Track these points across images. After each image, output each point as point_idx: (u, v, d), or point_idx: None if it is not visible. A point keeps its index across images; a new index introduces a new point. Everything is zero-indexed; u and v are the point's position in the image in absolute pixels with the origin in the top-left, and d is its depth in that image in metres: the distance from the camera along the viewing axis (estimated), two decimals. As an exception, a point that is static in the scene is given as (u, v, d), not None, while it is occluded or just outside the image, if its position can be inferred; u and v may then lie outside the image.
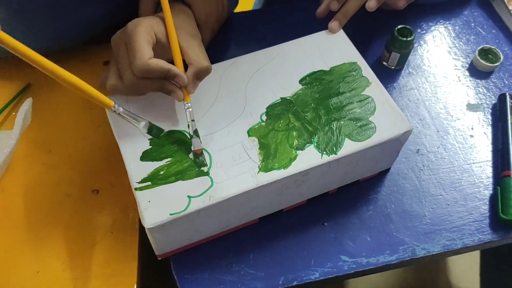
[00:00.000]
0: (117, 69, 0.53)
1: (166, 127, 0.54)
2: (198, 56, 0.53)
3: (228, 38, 0.76)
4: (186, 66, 0.55)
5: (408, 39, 0.68)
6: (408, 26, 0.69)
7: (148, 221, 0.48)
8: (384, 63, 0.73)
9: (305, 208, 0.60)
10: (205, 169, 0.51)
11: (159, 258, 0.55)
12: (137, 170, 0.51)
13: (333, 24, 0.64)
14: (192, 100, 0.56)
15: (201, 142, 0.52)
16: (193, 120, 0.53)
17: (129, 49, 0.51)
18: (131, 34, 0.51)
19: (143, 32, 0.51)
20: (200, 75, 0.53)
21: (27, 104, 0.58)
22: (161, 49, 0.54)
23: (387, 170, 0.63)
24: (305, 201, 0.60)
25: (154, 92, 0.54)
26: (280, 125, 0.55)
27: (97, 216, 0.58)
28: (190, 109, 0.53)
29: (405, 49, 0.70)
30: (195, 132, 0.53)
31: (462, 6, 0.81)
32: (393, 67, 0.73)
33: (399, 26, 0.69)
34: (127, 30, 0.52)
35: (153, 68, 0.49)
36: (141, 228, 0.55)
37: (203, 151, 0.52)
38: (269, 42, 0.74)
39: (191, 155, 0.52)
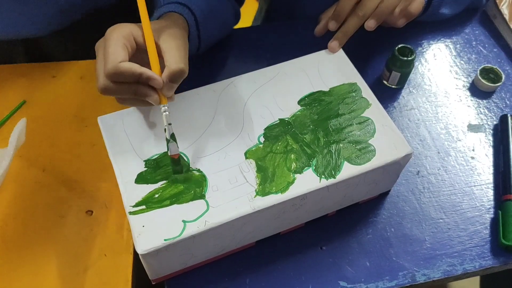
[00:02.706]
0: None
1: (161, 148, 0.53)
2: (174, 58, 0.51)
3: (227, 55, 0.75)
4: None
5: (409, 58, 0.68)
6: (408, 45, 0.68)
7: (142, 247, 0.47)
8: (385, 81, 0.72)
9: (303, 231, 0.59)
10: (180, 176, 0.51)
11: (154, 283, 0.54)
12: (131, 193, 0.50)
13: (333, 43, 0.63)
14: (188, 120, 0.56)
15: (178, 147, 0.51)
16: (170, 124, 0.51)
17: (104, 54, 0.50)
18: (106, 38, 0.50)
19: (120, 36, 0.50)
20: (175, 78, 0.51)
21: (21, 124, 0.57)
22: (145, 56, 0.53)
23: (387, 192, 0.62)
24: (303, 224, 0.59)
25: (129, 97, 0.52)
26: (278, 148, 0.54)
27: (90, 238, 0.57)
28: (167, 113, 0.51)
29: (406, 68, 0.69)
30: (172, 136, 0.51)
31: (463, 24, 0.81)
32: (393, 86, 0.72)
33: (400, 45, 0.68)
34: (105, 35, 0.51)
35: (124, 71, 0.48)
36: (135, 250, 0.54)
37: (181, 155, 0.51)
38: (268, 59, 0.74)
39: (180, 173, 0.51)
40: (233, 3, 0.75)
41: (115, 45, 0.49)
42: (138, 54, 0.52)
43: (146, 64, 0.51)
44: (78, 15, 0.72)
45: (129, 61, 0.49)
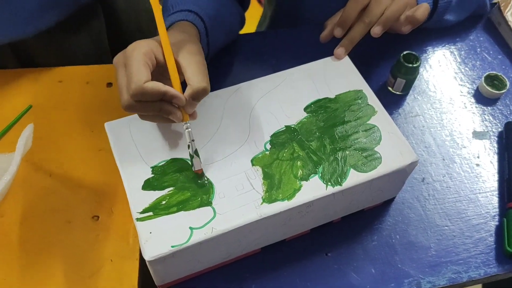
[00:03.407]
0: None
1: (169, 155, 0.54)
2: (196, 76, 0.52)
3: (231, 61, 0.76)
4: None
5: (414, 65, 0.68)
6: (414, 52, 0.68)
7: (149, 254, 0.47)
8: (389, 88, 0.72)
9: (308, 238, 0.59)
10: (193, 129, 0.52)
11: (159, 289, 0.54)
12: (139, 199, 0.50)
13: (339, 50, 0.64)
14: (195, 127, 0.56)
15: (201, 162, 0.52)
16: (193, 140, 0.52)
17: (127, 72, 0.50)
18: (129, 57, 0.51)
19: (142, 54, 0.50)
20: (197, 96, 0.52)
21: (28, 130, 0.57)
22: (164, 71, 0.53)
23: (392, 199, 0.62)
24: (308, 230, 0.59)
25: (152, 115, 0.53)
26: (284, 155, 0.54)
27: (96, 244, 0.57)
28: (189, 129, 0.52)
29: (411, 75, 0.69)
30: (195, 152, 0.52)
31: (468, 31, 0.81)
32: (398, 93, 0.72)
33: (405, 52, 0.68)
34: (127, 53, 0.51)
35: (149, 91, 0.49)
36: (141, 255, 0.54)
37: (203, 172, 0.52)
38: (273, 65, 0.74)
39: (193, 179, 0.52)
40: (238, 8, 0.76)
41: (138, 64, 0.50)
42: (158, 69, 0.53)
43: (165, 79, 0.52)
44: (60, 13, 0.71)
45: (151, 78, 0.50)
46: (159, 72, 0.53)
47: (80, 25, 0.76)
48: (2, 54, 0.74)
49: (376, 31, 0.64)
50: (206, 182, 0.52)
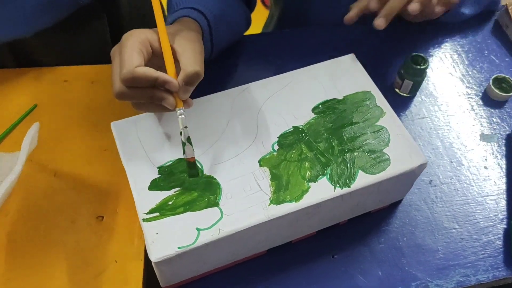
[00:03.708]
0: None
1: (176, 155, 0.53)
2: (189, 61, 0.50)
3: (237, 62, 0.75)
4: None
5: (422, 67, 0.67)
6: (421, 54, 0.68)
7: (155, 255, 0.46)
8: (397, 90, 0.72)
9: (315, 240, 0.58)
10: (197, 173, 0.51)
11: (165, 290, 0.53)
12: (145, 200, 0.50)
13: (379, 20, 0.62)
14: (202, 126, 0.55)
15: (193, 150, 0.51)
16: (186, 127, 0.51)
17: (120, 59, 0.50)
18: (122, 44, 0.50)
19: (135, 41, 0.50)
20: (191, 80, 0.50)
21: (34, 129, 0.56)
22: (161, 63, 0.53)
23: (399, 201, 0.62)
24: (314, 232, 0.58)
25: (145, 102, 0.52)
26: (292, 156, 0.54)
27: (101, 244, 0.56)
28: (183, 116, 0.51)
29: (419, 77, 0.69)
30: (188, 139, 0.51)
31: (475, 33, 0.80)
32: (405, 95, 0.71)
33: (413, 54, 0.68)
34: (121, 41, 0.51)
35: (140, 75, 0.48)
36: (146, 256, 0.54)
37: (196, 161, 0.51)
38: (279, 66, 0.74)
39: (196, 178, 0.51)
40: (244, 8, 0.75)
41: (131, 50, 0.49)
42: (154, 59, 0.52)
43: (162, 70, 0.51)
44: (60, 12, 0.71)
45: (145, 66, 0.49)
46: (156, 64, 0.52)
47: (80, 26, 0.76)
48: (0, 53, 0.74)
49: (414, 7, 0.61)
50: (199, 172, 0.51)
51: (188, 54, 0.51)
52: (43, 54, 0.75)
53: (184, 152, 0.50)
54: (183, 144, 0.50)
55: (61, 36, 0.74)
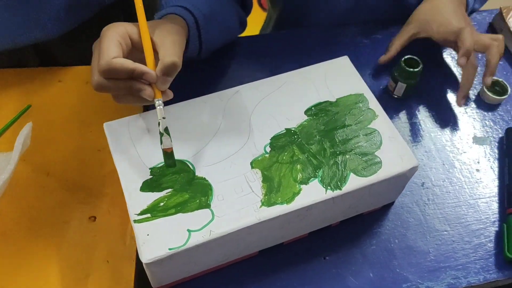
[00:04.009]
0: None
1: (167, 156, 0.53)
2: (168, 51, 0.51)
3: (232, 63, 0.75)
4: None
5: (415, 70, 0.68)
6: (415, 57, 0.68)
7: (146, 256, 0.46)
8: (390, 92, 0.72)
9: (307, 241, 0.59)
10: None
11: (156, 291, 0.54)
12: (136, 201, 0.50)
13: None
14: (194, 128, 0.55)
15: (171, 141, 0.51)
16: (164, 118, 0.51)
17: (99, 51, 0.50)
18: (101, 36, 0.51)
19: (114, 33, 0.50)
20: (168, 71, 0.51)
21: (26, 129, 0.57)
22: (141, 53, 0.53)
23: (391, 204, 0.62)
24: (306, 234, 0.58)
25: (124, 93, 0.52)
26: (284, 158, 0.54)
27: (93, 244, 0.56)
28: (161, 107, 0.51)
29: (412, 80, 0.69)
30: (166, 130, 0.51)
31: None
32: (399, 97, 0.72)
33: (406, 57, 0.68)
34: (101, 34, 0.51)
35: (116, 67, 0.48)
36: (138, 256, 0.54)
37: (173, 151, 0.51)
38: (274, 68, 0.74)
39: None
40: (238, 10, 0.75)
41: (109, 42, 0.49)
42: (135, 52, 0.52)
43: (143, 63, 0.51)
44: (85, 13, 0.72)
45: (123, 58, 0.50)
46: (137, 57, 0.52)
47: (101, 27, 0.77)
48: (25, 53, 0.74)
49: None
50: (174, 161, 0.51)
51: (166, 46, 0.51)
52: (66, 55, 0.76)
53: (161, 142, 0.50)
54: (161, 134, 0.50)
55: (82, 36, 0.75)
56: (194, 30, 0.62)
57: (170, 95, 0.53)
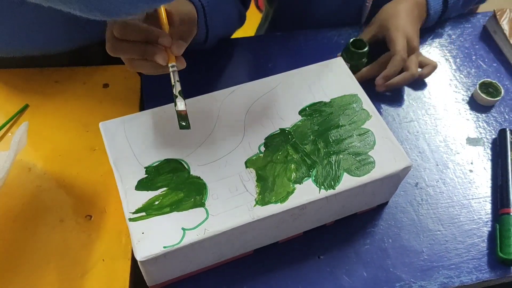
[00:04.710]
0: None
1: (163, 155, 0.54)
2: (182, 17, 0.52)
3: (228, 64, 0.76)
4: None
5: (359, 51, 0.70)
6: (363, 39, 0.71)
7: (141, 254, 0.47)
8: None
9: (301, 240, 0.59)
10: (188, 131, 0.52)
11: (151, 289, 0.54)
12: (132, 199, 0.50)
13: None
14: (190, 128, 0.56)
15: (185, 104, 0.51)
16: (178, 81, 0.51)
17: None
18: None
19: None
20: (184, 35, 0.52)
21: (23, 128, 0.57)
22: (153, 24, 0.53)
23: (385, 203, 0.63)
24: (301, 233, 0.59)
25: (138, 58, 0.52)
26: (278, 157, 0.54)
27: (89, 243, 0.57)
28: (175, 69, 0.52)
29: (356, 61, 0.71)
30: (180, 92, 0.51)
31: (463, 38, 0.81)
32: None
33: (354, 38, 0.71)
34: None
35: (132, 25, 0.49)
36: (133, 255, 0.54)
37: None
38: (270, 69, 0.74)
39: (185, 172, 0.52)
40: (238, 4, 0.76)
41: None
42: (148, 20, 0.53)
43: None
44: None
45: None
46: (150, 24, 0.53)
47: None
48: (93, 51, 0.74)
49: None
50: (188, 124, 0.51)
51: (182, 13, 0.53)
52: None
53: (175, 104, 0.51)
54: (175, 97, 0.51)
55: None
56: (202, 14, 0.62)
57: (184, 63, 0.53)
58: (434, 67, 0.74)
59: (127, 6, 0.33)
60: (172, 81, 0.51)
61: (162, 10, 0.53)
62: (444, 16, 0.79)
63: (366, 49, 0.70)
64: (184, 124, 0.51)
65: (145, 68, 0.54)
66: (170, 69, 0.51)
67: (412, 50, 0.71)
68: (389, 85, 0.71)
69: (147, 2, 0.34)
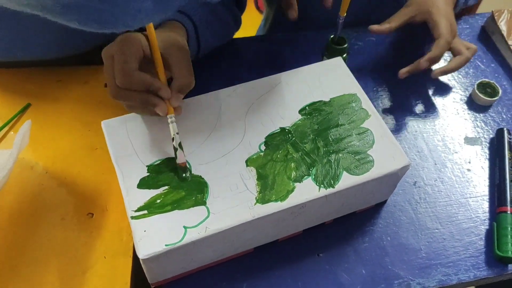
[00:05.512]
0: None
1: (165, 154, 0.54)
2: (182, 70, 0.54)
3: (229, 64, 0.77)
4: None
5: (339, 47, 0.70)
6: (344, 36, 0.70)
7: (143, 252, 0.47)
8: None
9: (301, 239, 0.60)
10: (188, 177, 0.53)
11: (153, 287, 0.54)
12: (134, 198, 0.51)
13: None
14: (191, 126, 0.57)
15: (185, 155, 0.53)
16: (177, 133, 0.53)
17: (116, 62, 0.51)
18: (119, 47, 0.52)
19: (133, 46, 0.52)
20: (183, 89, 0.54)
21: (25, 126, 0.57)
22: (150, 66, 0.55)
23: (384, 202, 0.63)
24: (300, 232, 0.59)
25: (140, 106, 0.54)
26: (278, 156, 0.55)
27: (90, 241, 0.57)
28: (174, 123, 0.53)
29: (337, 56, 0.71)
30: (179, 145, 0.53)
31: (462, 39, 0.82)
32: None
33: (335, 34, 0.70)
34: (115, 45, 0.52)
35: (136, 79, 0.51)
36: (135, 252, 0.55)
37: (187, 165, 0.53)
38: (270, 69, 0.75)
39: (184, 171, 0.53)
40: (232, 8, 0.76)
41: (130, 55, 0.51)
42: (144, 63, 0.53)
43: (151, 73, 0.53)
44: None
45: None
46: (145, 67, 0.54)
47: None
48: (95, 51, 0.75)
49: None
50: (189, 177, 0.53)
51: (180, 63, 0.54)
52: None
53: (176, 157, 0.52)
54: (175, 149, 0.52)
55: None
56: (193, 33, 0.63)
57: (180, 111, 0.55)
58: (475, 50, 0.73)
59: (128, 18, 0.33)
60: (172, 133, 0.53)
61: (159, 60, 0.54)
62: (467, 4, 0.80)
63: (346, 45, 0.70)
64: (184, 176, 0.53)
65: (144, 113, 0.56)
66: (169, 121, 0.53)
67: (454, 34, 0.72)
68: (446, 70, 0.71)
69: (147, 15, 0.34)
